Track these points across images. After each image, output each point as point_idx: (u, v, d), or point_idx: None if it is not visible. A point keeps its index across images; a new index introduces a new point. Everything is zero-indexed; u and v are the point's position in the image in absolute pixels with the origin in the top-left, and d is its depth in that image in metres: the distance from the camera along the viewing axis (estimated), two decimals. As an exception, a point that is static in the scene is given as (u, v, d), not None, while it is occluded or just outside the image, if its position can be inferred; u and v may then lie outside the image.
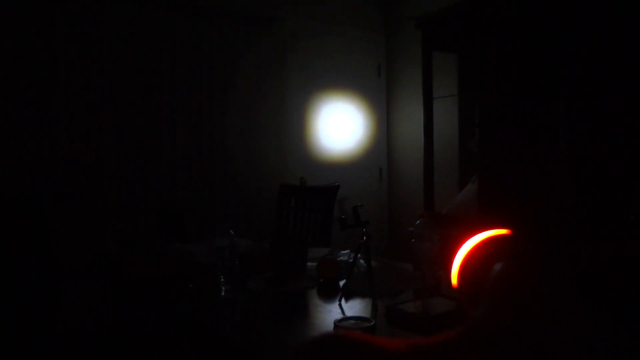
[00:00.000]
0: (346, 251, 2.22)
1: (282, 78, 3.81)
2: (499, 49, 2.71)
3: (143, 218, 3.19)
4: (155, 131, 3.29)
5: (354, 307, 1.60)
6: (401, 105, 4.32)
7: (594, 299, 1.01)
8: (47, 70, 2.93)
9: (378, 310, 1.55)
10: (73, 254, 2.94)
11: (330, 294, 1.76)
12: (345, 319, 1.09)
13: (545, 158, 2.52)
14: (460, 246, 1.11)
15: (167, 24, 3.30)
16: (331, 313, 1.55)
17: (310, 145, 4.00)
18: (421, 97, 3.26)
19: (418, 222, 1.83)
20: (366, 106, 4.30)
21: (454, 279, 1.09)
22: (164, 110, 3.32)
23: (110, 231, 3.11)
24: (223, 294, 1.73)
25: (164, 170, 3.32)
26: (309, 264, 1.96)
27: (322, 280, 1.86)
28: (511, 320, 0.91)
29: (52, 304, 2.58)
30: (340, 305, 1.61)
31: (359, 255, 1.73)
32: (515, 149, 2.65)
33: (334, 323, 1.07)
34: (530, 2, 2.58)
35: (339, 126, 4.16)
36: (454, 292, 1.12)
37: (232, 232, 1.76)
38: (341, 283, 1.78)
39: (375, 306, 1.59)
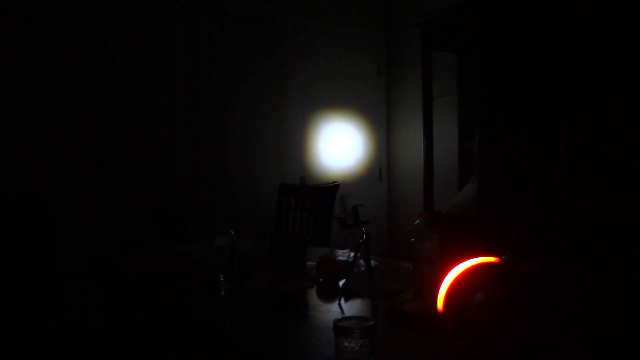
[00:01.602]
0: (346, 251, 2.22)
1: (282, 78, 3.81)
2: (499, 49, 2.71)
3: (143, 218, 3.19)
4: (156, 131, 3.29)
5: (353, 307, 1.60)
6: (401, 105, 4.32)
7: (576, 330, 1.01)
8: (47, 70, 2.93)
9: (378, 310, 1.55)
10: (73, 254, 2.94)
11: (329, 293, 1.76)
12: (345, 318, 1.09)
13: (545, 157, 2.52)
14: (448, 272, 1.10)
15: (167, 23, 3.30)
16: (331, 313, 1.55)
17: (310, 145, 4.00)
18: (421, 97, 3.26)
19: (417, 221, 1.84)
20: (366, 106, 4.30)
21: (440, 304, 1.08)
22: (164, 110, 3.32)
23: (110, 231, 3.11)
24: (223, 294, 1.73)
25: (164, 171, 3.32)
26: (308, 263, 1.96)
27: (321, 280, 1.86)
28: (493, 353, 0.91)
29: (52, 303, 2.58)
30: (339, 305, 1.61)
31: (358, 255, 1.73)
32: (515, 149, 2.65)
33: (334, 323, 1.07)
34: (530, 2, 2.58)
35: (339, 126, 4.16)
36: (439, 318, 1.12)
37: (232, 232, 1.76)
38: (341, 283, 1.78)
39: (374, 306, 1.59)
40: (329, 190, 3.00)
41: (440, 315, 1.09)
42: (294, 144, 3.90)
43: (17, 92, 2.86)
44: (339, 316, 1.25)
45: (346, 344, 1.04)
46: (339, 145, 4.16)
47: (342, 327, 1.05)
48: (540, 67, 2.53)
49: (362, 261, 1.76)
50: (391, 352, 1.23)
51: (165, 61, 3.31)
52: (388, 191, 4.44)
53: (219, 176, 3.53)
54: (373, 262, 1.80)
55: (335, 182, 3.12)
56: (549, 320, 1.01)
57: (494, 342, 0.94)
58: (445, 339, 1.25)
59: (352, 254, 1.94)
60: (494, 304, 0.99)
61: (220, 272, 1.74)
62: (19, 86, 2.86)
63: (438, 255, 1.77)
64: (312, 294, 1.77)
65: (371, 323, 1.06)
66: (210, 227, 3.36)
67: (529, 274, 1.06)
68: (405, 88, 4.26)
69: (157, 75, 3.29)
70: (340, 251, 2.25)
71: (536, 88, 2.56)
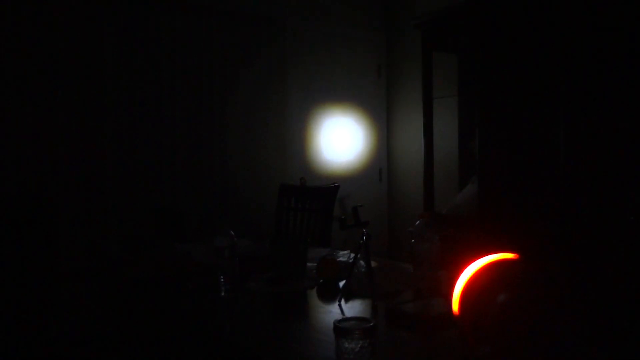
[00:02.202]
0: (346, 251, 2.22)
1: (283, 78, 3.81)
2: (499, 49, 2.71)
3: (143, 218, 3.19)
4: (156, 131, 3.29)
5: (353, 308, 1.60)
6: (401, 106, 4.32)
7: (603, 335, 0.96)
8: (47, 70, 2.93)
9: (378, 311, 1.55)
10: (73, 254, 2.94)
11: (330, 294, 1.76)
12: (345, 319, 1.09)
13: (545, 158, 2.52)
14: (462, 271, 1.03)
15: (167, 23, 3.30)
16: (331, 313, 1.55)
17: (310, 145, 4.00)
18: (421, 97, 3.26)
19: (418, 222, 1.83)
20: (366, 106, 4.30)
21: (455, 306, 1.02)
22: (164, 110, 3.32)
23: (110, 231, 3.11)
24: (223, 294, 1.73)
25: (164, 171, 3.32)
26: (309, 264, 1.96)
27: (321, 280, 1.86)
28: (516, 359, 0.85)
29: (52, 303, 2.58)
30: (340, 305, 1.61)
31: (358, 256, 1.73)
32: (515, 149, 2.65)
33: (334, 324, 1.07)
34: (530, 2, 2.58)
35: (339, 126, 4.16)
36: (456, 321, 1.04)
37: (232, 232, 1.76)
38: (341, 283, 1.78)
39: (375, 306, 1.59)
40: (329, 191, 3.00)
41: (455, 318, 1.03)
42: (294, 144, 3.90)
43: (18, 92, 2.86)
44: (339, 317, 1.25)
45: (346, 344, 1.04)
46: (339, 146, 4.16)
47: (342, 328, 1.05)
48: (541, 67, 2.53)
49: (362, 262, 1.75)
50: (391, 353, 1.23)
51: (165, 61, 3.31)
52: (388, 192, 4.44)
53: (219, 176, 3.53)
54: (373, 263, 1.80)
55: (336, 182, 3.12)
56: (575, 323, 0.97)
57: (517, 347, 0.90)
58: (446, 340, 1.25)
59: (352, 255, 1.94)
60: (517, 306, 0.92)
61: (220, 272, 1.74)
62: (20, 86, 2.86)
63: (438, 255, 1.77)
64: (313, 295, 1.77)
65: (371, 324, 1.06)
66: (210, 227, 3.36)
67: (551, 271, 1.01)
68: (405, 88, 4.26)
69: (157, 75, 3.29)
70: (341, 252, 2.25)
71: (536, 88, 2.56)
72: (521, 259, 1.01)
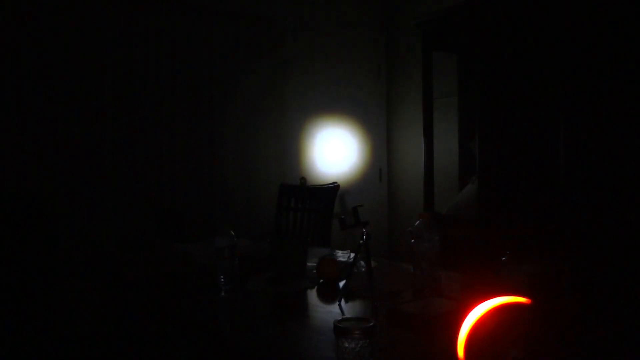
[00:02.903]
0: (346, 251, 2.22)
1: (282, 78, 3.81)
2: (499, 49, 2.71)
3: (143, 218, 3.19)
4: (156, 131, 3.28)
5: (353, 308, 1.60)
6: (401, 106, 4.32)
7: None
8: (47, 70, 2.93)
9: (378, 311, 1.55)
10: (73, 254, 2.93)
11: (330, 294, 1.76)
12: (345, 319, 1.09)
13: (545, 158, 2.52)
14: (468, 313, 0.97)
15: (167, 24, 3.30)
16: (331, 313, 1.55)
17: (310, 145, 4.00)
18: (421, 97, 3.26)
19: (418, 222, 1.83)
20: (366, 106, 4.30)
21: (460, 350, 0.97)
22: (164, 110, 3.32)
23: (110, 231, 3.11)
24: (223, 294, 1.73)
25: (164, 170, 3.32)
26: (309, 264, 1.96)
27: (321, 280, 1.86)
28: None
29: (52, 303, 2.57)
30: (339, 305, 1.61)
31: (358, 256, 1.73)
32: (515, 150, 2.65)
33: (334, 324, 1.07)
34: (530, 2, 2.58)
35: (339, 126, 4.16)
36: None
37: (232, 232, 1.76)
38: (341, 283, 1.78)
39: (375, 306, 1.59)
40: (329, 191, 3.00)
41: None
42: (294, 144, 3.90)
43: (18, 91, 2.86)
44: (339, 317, 1.25)
45: (346, 344, 1.04)
46: (339, 146, 4.16)
47: (342, 327, 1.05)
48: (541, 67, 2.53)
49: (362, 262, 1.75)
50: (391, 353, 1.23)
51: (165, 61, 3.31)
52: (388, 192, 4.44)
53: (219, 176, 3.53)
54: (373, 263, 1.80)
55: (336, 182, 3.12)
56: None
57: None
58: (446, 340, 1.24)
59: (352, 255, 1.94)
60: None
61: (220, 273, 1.74)
62: (20, 86, 2.86)
63: (438, 255, 1.77)
64: (312, 295, 1.77)
65: (371, 324, 1.06)
66: (210, 227, 3.36)
67: (565, 318, 0.97)
68: (405, 88, 4.26)
69: (157, 75, 3.28)
70: (341, 252, 2.25)
71: (536, 88, 2.56)
72: (534, 305, 0.94)
